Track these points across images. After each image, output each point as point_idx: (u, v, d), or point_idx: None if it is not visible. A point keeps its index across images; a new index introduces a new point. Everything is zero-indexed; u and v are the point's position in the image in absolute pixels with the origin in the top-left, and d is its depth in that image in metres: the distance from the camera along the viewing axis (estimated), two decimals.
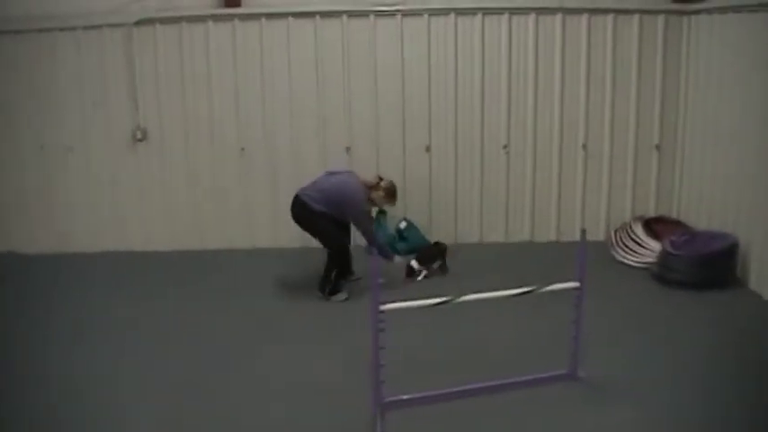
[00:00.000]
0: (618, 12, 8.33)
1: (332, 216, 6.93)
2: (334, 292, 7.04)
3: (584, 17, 8.38)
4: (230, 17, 8.56)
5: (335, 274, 7.04)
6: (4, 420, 4.83)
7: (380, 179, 7.21)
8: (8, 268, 8.68)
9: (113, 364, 5.68)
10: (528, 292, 4.70)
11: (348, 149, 8.67)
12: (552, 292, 4.73)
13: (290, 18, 8.52)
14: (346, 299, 7.07)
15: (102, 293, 7.51)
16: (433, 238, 8.56)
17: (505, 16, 8.44)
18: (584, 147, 8.68)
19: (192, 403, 4.96)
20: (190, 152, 8.87)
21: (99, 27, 8.65)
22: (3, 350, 6.09)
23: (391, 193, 7.19)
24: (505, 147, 8.72)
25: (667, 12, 8.30)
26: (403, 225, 8.59)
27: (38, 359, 5.85)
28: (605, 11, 8.31)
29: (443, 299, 4.56)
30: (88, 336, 6.29)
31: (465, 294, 4.63)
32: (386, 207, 7.54)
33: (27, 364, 5.71)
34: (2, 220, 9.16)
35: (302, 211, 6.97)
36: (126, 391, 5.20)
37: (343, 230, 7.23)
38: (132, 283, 7.88)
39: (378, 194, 7.11)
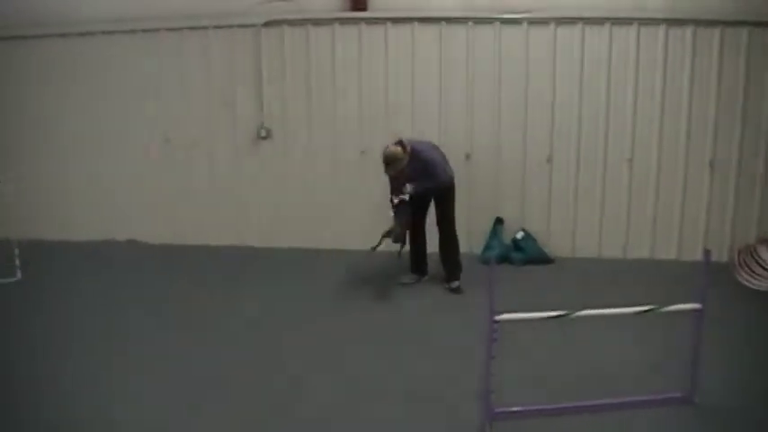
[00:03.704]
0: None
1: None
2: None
3: (718, 30, 8.75)
4: (356, 21, 9.43)
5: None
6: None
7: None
8: (128, 256, 9.88)
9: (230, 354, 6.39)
10: (646, 311, 4.81)
11: (468, 156, 9.33)
12: (671, 312, 4.85)
13: (416, 23, 9.30)
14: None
15: (222, 286, 8.43)
16: (550, 249, 9.20)
17: (634, 26, 8.90)
18: (711, 164, 9.04)
19: (291, 402, 5.37)
20: (311, 152, 9.82)
21: (229, 27, 9.72)
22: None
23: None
24: (629, 160, 9.15)
25: None
26: (520, 235, 9.15)
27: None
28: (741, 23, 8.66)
29: (559, 312, 4.71)
30: (215, 330, 7.02)
31: (581, 309, 4.82)
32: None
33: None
34: (124, 209, 10.43)
35: None
36: (238, 382, 5.75)
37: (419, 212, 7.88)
38: (247, 279, 8.78)
39: None
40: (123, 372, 5.99)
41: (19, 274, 8.65)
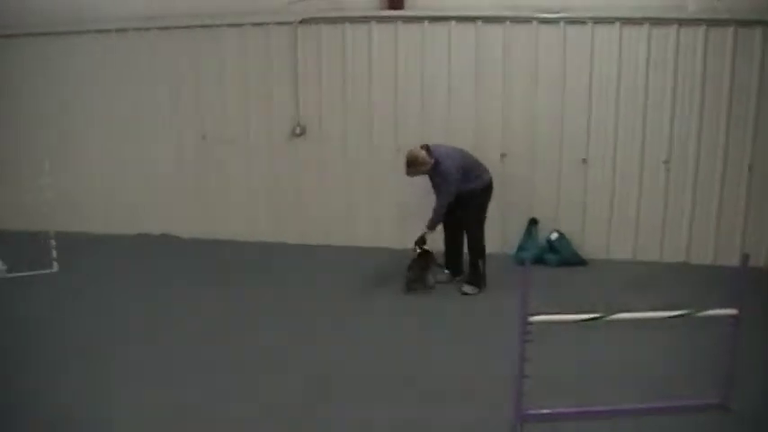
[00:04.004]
0: None
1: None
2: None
3: (759, 31, 8.69)
4: (393, 19, 9.54)
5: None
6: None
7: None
8: (161, 249, 10.14)
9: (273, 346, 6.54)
10: (681, 315, 4.80)
11: (503, 156, 9.38)
12: (707, 317, 4.81)
13: (453, 22, 9.38)
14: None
15: (254, 281, 8.64)
16: (584, 251, 9.23)
17: (674, 27, 8.88)
18: (750, 168, 8.99)
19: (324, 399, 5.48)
20: (347, 150, 9.96)
21: (266, 24, 9.88)
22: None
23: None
24: (666, 162, 9.14)
25: None
26: (554, 236, 9.19)
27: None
28: None
29: (593, 315, 4.71)
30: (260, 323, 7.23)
31: (615, 312, 4.79)
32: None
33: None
34: (159, 204, 10.69)
35: None
36: (274, 373, 5.93)
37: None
38: (278, 275, 8.94)
39: None
40: (157, 361, 6.22)
41: (55, 266, 8.92)
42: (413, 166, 7.65)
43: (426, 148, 7.68)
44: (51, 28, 10.52)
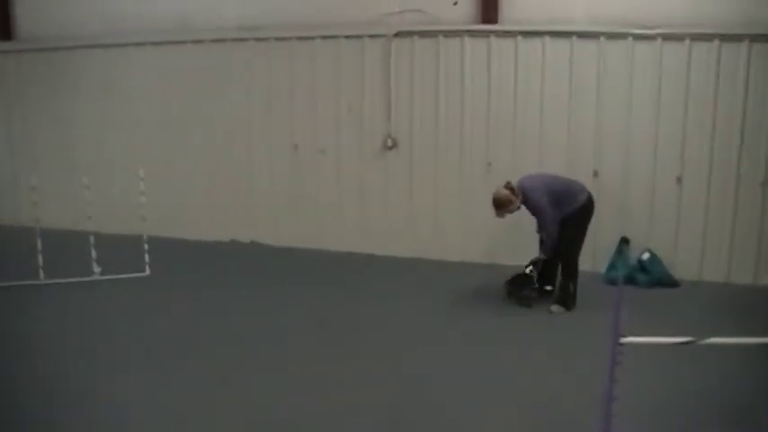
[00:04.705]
0: None
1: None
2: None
3: None
4: (486, 33, 9.69)
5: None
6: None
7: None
8: (250, 256, 10.51)
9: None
10: None
11: (596, 173, 9.42)
12: None
13: (547, 37, 9.47)
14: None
15: (341, 292, 8.83)
16: (676, 272, 9.13)
17: None
18: None
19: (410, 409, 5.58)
20: (437, 163, 10.14)
21: (359, 37, 10.15)
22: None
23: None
24: (763, 183, 9.01)
25: None
26: (646, 256, 9.13)
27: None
28: None
29: (687, 339, 4.52)
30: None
31: (708, 336, 4.55)
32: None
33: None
34: (250, 211, 11.07)
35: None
36: (357, 382, 6.06)
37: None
38: (366, 286, 9.15)
39: None
40: (243, 370, 6.43)
41: (148, 270, 9.32)
42: (500, 207, 7.74)
43: (509, 186, 7.75)
44: (152, 38, 11.07)
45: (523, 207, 7.86)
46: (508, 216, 7.95)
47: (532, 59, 9.52)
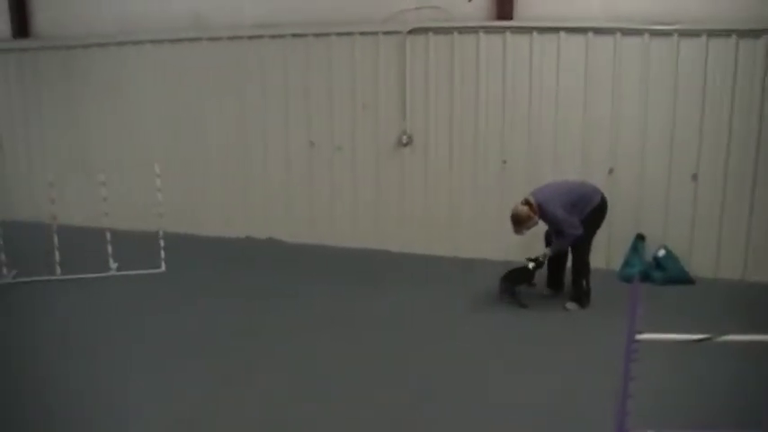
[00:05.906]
0: None
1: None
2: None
3: None
4: (501, 29, 9.71)
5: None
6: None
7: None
8: (266, 253, 10.66)
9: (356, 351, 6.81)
10: None
11: (611, 170, 9.44)
12: None
13: (562, 33, 9.48)
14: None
15: (357, 289, 8.92)
16: (691, 269, 9.15)
17: None
18: None
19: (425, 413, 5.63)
20: (453, 160, 10.21)
21: (374, 34, 10.22)
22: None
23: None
24: None
25: None
26: (662, 253, 9.16)
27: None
28: None
29: (703, 336, 4.50)
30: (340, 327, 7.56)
31: (725, 334, 4.54)
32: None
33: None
34: (266, 208, 11.18)
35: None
36: (371, 386, 6.10)
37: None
38: (381, 283, 9.21)
39: None
40: (260, 366, 6.57)
41: (163, 266, 9.47)
42: (519, 224, 7.84)
43: (527, 202, 7.81)
44: (167, 36, 11.23)
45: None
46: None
47: (548, 56, 9.55)
